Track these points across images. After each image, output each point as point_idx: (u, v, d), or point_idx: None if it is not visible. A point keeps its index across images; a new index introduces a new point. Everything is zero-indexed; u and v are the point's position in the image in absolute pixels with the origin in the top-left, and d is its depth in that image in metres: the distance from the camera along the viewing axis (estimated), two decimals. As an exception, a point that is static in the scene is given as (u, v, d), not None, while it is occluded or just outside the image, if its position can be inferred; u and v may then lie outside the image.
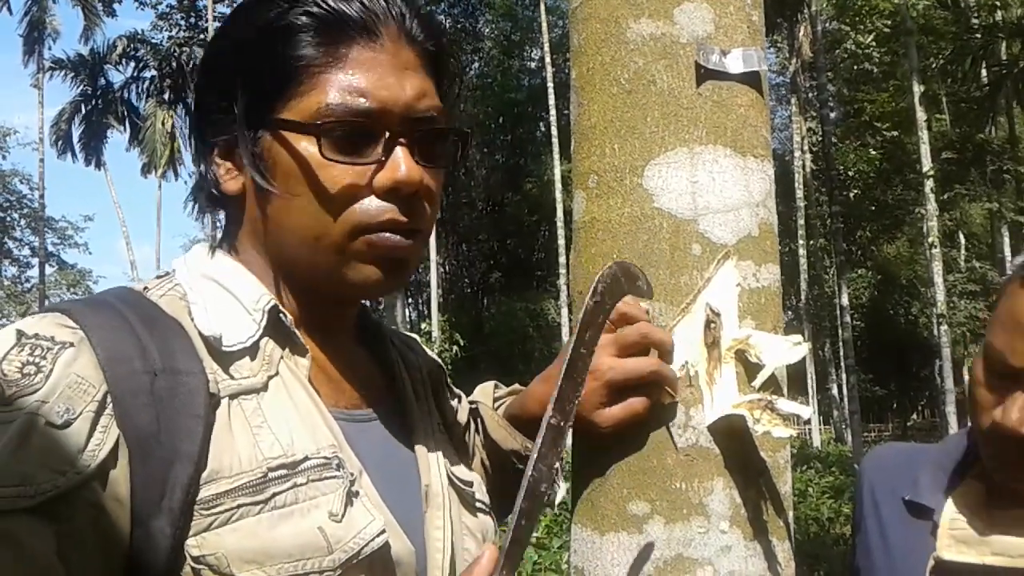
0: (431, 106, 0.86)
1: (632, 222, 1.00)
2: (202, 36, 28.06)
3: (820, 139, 23.00)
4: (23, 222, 34.86)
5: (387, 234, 0.83)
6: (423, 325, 19.86)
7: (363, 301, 0.97)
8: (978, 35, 16.19)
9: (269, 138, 0.84)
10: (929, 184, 15.68)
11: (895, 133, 24.49)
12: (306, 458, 0.78)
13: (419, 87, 0.85)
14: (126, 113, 31.14)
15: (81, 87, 30.92)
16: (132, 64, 30.95)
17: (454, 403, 1.10)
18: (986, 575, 1.06)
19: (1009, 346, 1.01)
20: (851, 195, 25.94)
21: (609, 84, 1.04)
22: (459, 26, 30.26)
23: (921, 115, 16.11)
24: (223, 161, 0.87)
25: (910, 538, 1.14)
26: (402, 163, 0.83)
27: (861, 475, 1.30)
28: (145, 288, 0.85)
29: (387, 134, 0.83)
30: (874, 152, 25.31)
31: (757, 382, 0.97)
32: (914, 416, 38.95)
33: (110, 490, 0.71)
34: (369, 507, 0.80)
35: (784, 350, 0.97)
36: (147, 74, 30.80)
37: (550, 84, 21.51)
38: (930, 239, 15.98)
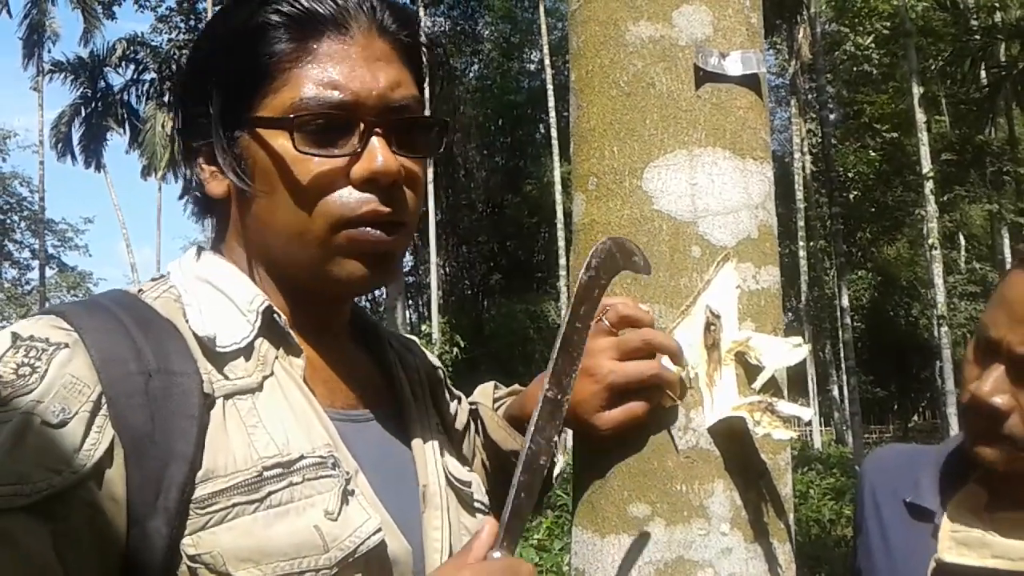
0: (407, 95, 0.86)
1: (632, 224, 1.00)
2: (202, 39, 28.00)
3: (820, 141, 23.01)
4: (23, 224, 35.01)
5: (368, 229, 0.83)
6: (423, 327, 19.83)
7: (354, 299, 0.97)
8: (977, 36, 16.17)
9: (247, 138, 0.84)
10: (929, 186, 15.67)
11: (895, 135, 24.54)
12: (301, 457, 0.78)
13: (393, 77, 0.85)
14: (126, 115, 31.19)
15: (81, 89, 31.01)
16: (132, 67, 31.07)
17: (454, 404, 1.11)
18: None
19: (991, 318, 1.05)
20: (851, 197, 25.97)
21: (608, 86, 1.04)
22: (458, 28, 30.33)
23: (921, 117, 16.10)
24: (208, 165, 0.88)
25: (911, 540, 1.14)
26: (379, 153, 0.82)
27: (862, 477, 1.30)
28: (140, 291, 0.86)
29: (362, 125, 0.83)
30: (874, 154, 25.36)
31: (757, 384, 0.97)
32: (915, 418, 38.98)
33: (106, 489, 0.71)
34: (365, 506, 0.80)
35: (784, 352, 0.97)
36: (147, 76, 30.91)
37: (549, 86, 21.50)
38: (930, 240, 15.95)
